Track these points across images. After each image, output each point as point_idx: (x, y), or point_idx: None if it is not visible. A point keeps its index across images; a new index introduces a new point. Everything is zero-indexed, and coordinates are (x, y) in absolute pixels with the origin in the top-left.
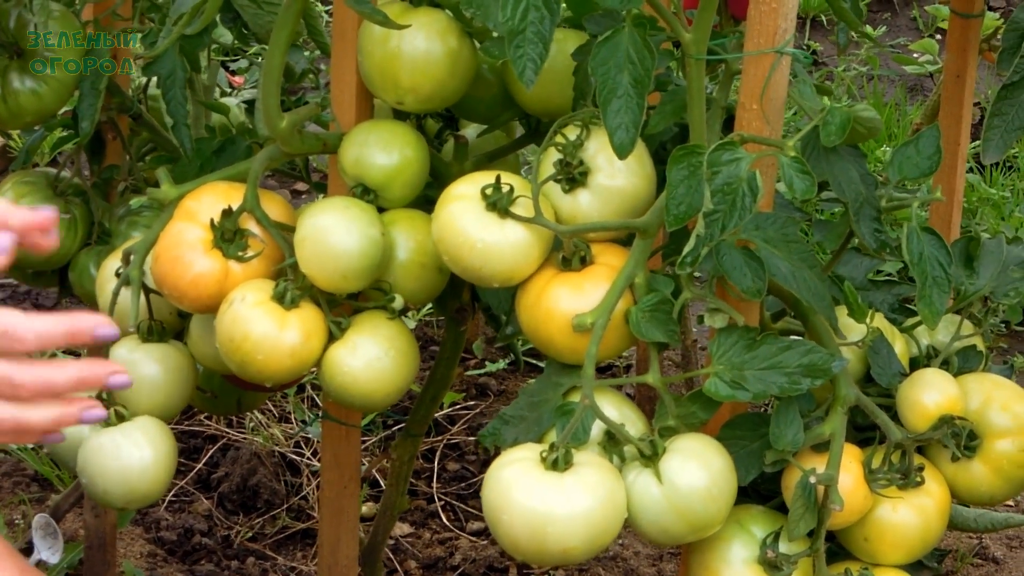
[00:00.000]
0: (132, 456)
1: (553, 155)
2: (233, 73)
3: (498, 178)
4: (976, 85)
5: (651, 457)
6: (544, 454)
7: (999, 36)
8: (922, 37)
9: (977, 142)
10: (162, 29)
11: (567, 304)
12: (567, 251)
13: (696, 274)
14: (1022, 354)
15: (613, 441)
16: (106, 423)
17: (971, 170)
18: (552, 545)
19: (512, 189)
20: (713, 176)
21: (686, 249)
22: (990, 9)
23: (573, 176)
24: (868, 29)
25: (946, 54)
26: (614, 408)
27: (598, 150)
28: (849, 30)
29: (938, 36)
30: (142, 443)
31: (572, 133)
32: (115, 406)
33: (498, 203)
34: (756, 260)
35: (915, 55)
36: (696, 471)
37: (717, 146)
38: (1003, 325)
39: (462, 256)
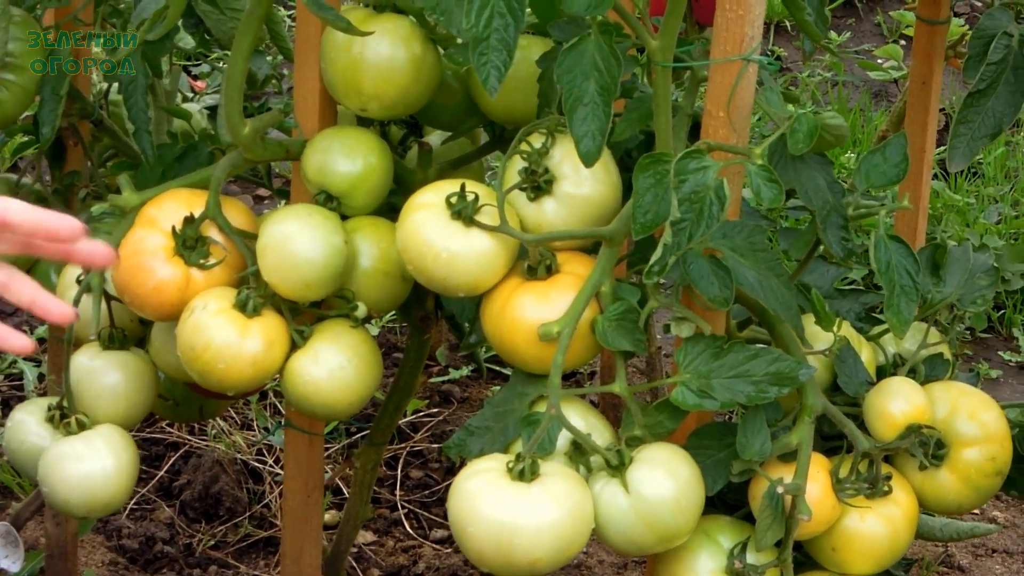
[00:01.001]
0: (94, 465)
1: (518, 163)
2: (195, 78)
3: (463, 186)
4: (941, 91)
5: (618, 467)
6: (510, 465)
7: (965, 43)
8: (887, 43)
9: (942, 148)
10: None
11: (533, 313)
12: (533, 260)
13: (662, 281)
14: (987, 361)
15: (580, 451)
16: (67, 431)
17: (936, 176)
18: (519, 557)
19: (477, 197)
20: (680, 184)
21: (653, 258)
22: (955, 15)
23: (538, 184)
24: (832, 35)
25: (912, 61)
26: (580, 418)
27: (563, 158)
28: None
29: (902, 42)
30: (104, 452)
31: (537, 141)
32: (76, 414)
33: (463, 212)
34: (723, 269)
35: (880, 61)
36: (663, 481)
37: (684, 154)
38: (968, 332)
39: (427, 265)
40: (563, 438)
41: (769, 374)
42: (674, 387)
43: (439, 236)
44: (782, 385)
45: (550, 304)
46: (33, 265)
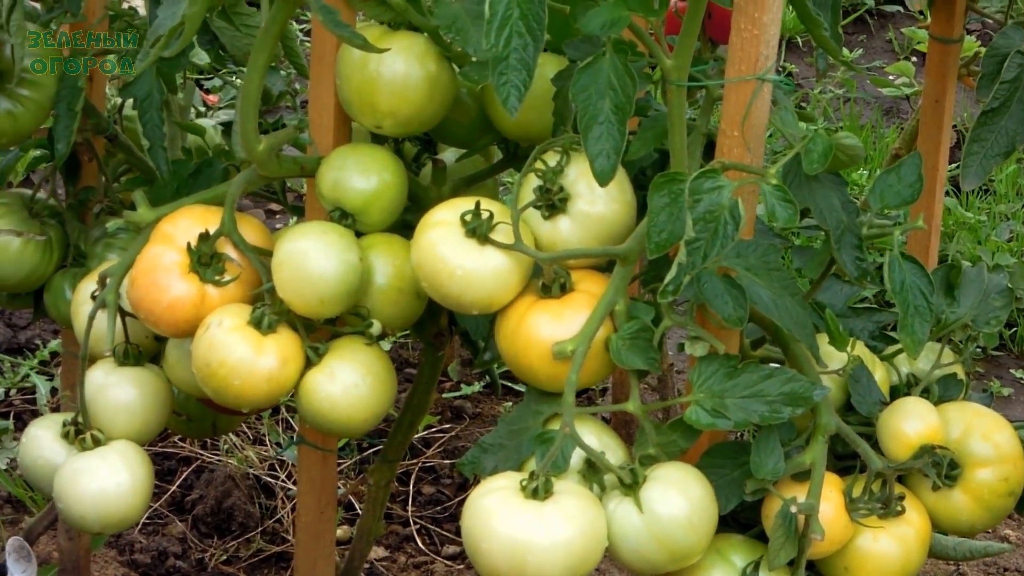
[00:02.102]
0: (109, 480)
1: (533, 181)
2: (208, 92)
3: (478, 204)
4: (953, 109)
5: (631, 486)
6: (524, 483)
7: (978, 61)
8: (898, 59)
9: (954, 165)
10: (139, 51)
11: (547, 331)
12: (547, 278)
13: (675, 300)
14: (999, 379)
15: (593, 469)
16: (82, 447)
17: (947, 193)
18: (532, 574)
19: (492, 215)
20: (695, 204)
21: (668, 277)
22: (967, 33)
23: (553, 202)
24: (845, 52)
25: (925, 79)
26: (594, 436)
27: (578, 176)
28: (828, 56)
29: (914, 58)
30: (119, 467)
31: (552, 159)
32: (92, 430)
33: (478, 230)
34: (737, 288)
35: (891, 77)
36: (677, 500)
37: (699, 174)
38: (980, 350)
39: (441, 283)
40: (577, 456)
41: (783, 394)
42: (688, 406)
43: (454, 254)
44: (796, 405)
45: (564, 322)
46: (48, 281)
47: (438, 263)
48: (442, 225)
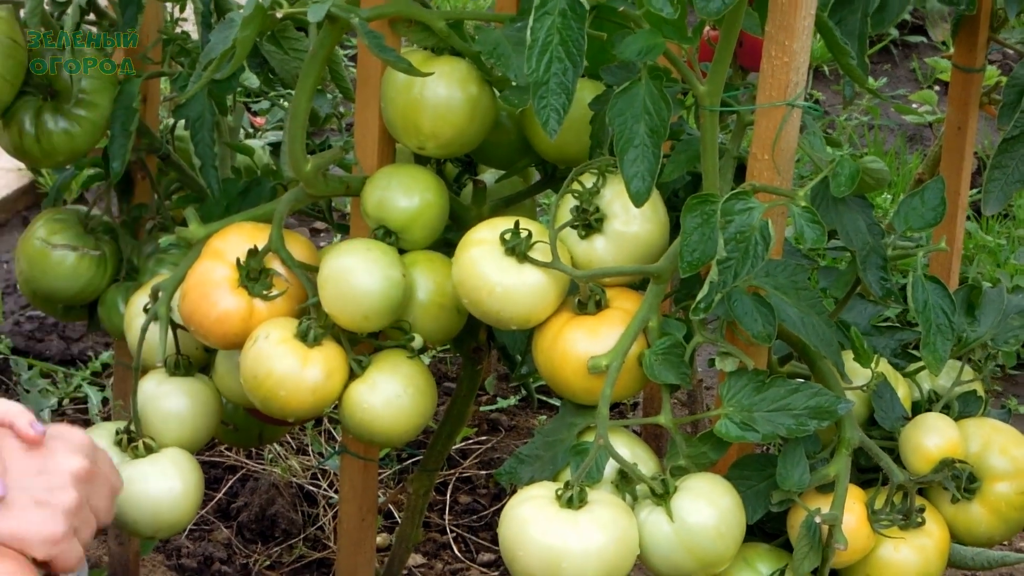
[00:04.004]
0: (161, 487)
1: (570, 201)
2: (255, 114)
3: (517, 224)
4: (975, 136)
5: (663, 496)
6: (559, 492)
7: (999, 90)
8: (921, 88)
9: (975, 190)
10: (191, 73)
11: (583, 347)
12: (583, 295)
13: (705, 317)
14: (1017, 397)
15: (626, 480)
16: (135, 454)
17: (968, 217)
18: None
19: (530, 234)
20: (726, 224)
21: (700, 295)
22: (989, 63)
23: (589, 222)
24: (870, 81)
25: (948, 107)
26: (627, 448)
27: (614, 197)
28: (855, 84)
29: (936, 87)
30: (171, 474)
31: (589, 180)
32: (144, 438)
33: (516, 248)
34: (766, 306)
35: (914, 105)
36: (706, 509)
37: (731, 195)
38: (998, 369)
39: (481, 299)
40: (610, 467)
41: (809, 408)
42: (717, 419)
43: (494, 271)
44: (821, 419)
45: (599, 338)
46: (102, 294)
47: (478, 280)
48: (482, 244)
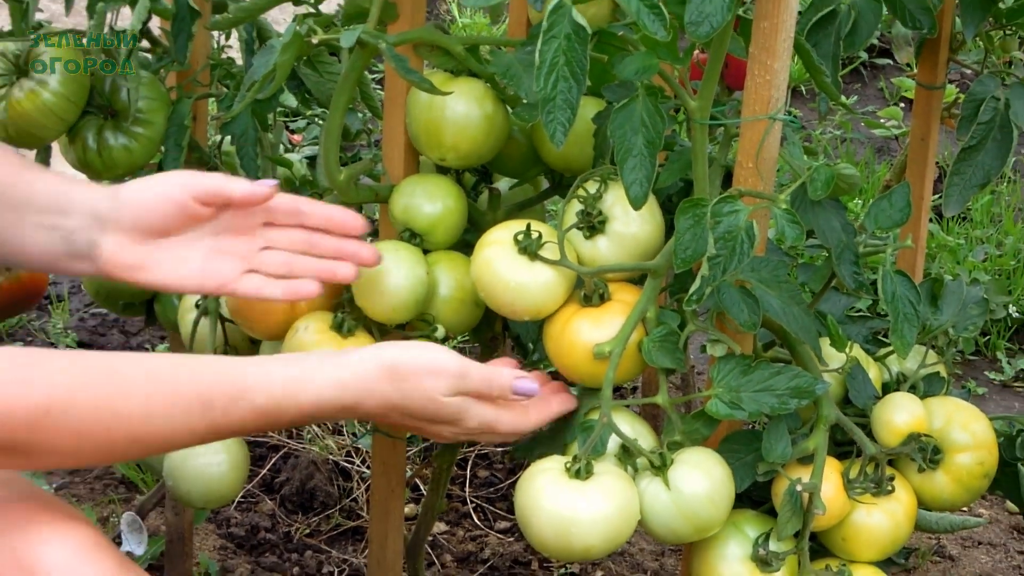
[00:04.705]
0: (212, 462)
1: (576, 206)
2: (292, 132)
3: (528, 226)
4: (937, 147)
5: (660, 467)
6: (568, 465)
7: (958, 105)
8: (888, 105)
9: (937, 196)
10: (236, 94)
11: (588, 335)
12: (588, 289)
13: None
14: (975, 380)
15: (627, 453)
16: None
17: (931, 219)
18: (576, 544)
19: (540, 235)
20: (716, 225)
21: (693, 288)
22: (948, 82)
23: (593, 224)
24: (842, 98)
25: (912, 120)
26: (628, 425)
27: (615, 201)
28: (829, 99)
29: (901, 104)
30: (221, 452)
31: (592, 187)
32: None
33: (528, 248)
34: (752, 298)
35: (882, 120)
36: (700, 479)
37: (719, 199)
38: (959, 355)
39: (497, 294)
40: (613, 442)
41: (790, 388)
42: (709, 399)
43: (508, 269)
44: (801, 398)
45: (603, 327)
46: (158, 293)
47: (494, 277)
48: (498, 244)
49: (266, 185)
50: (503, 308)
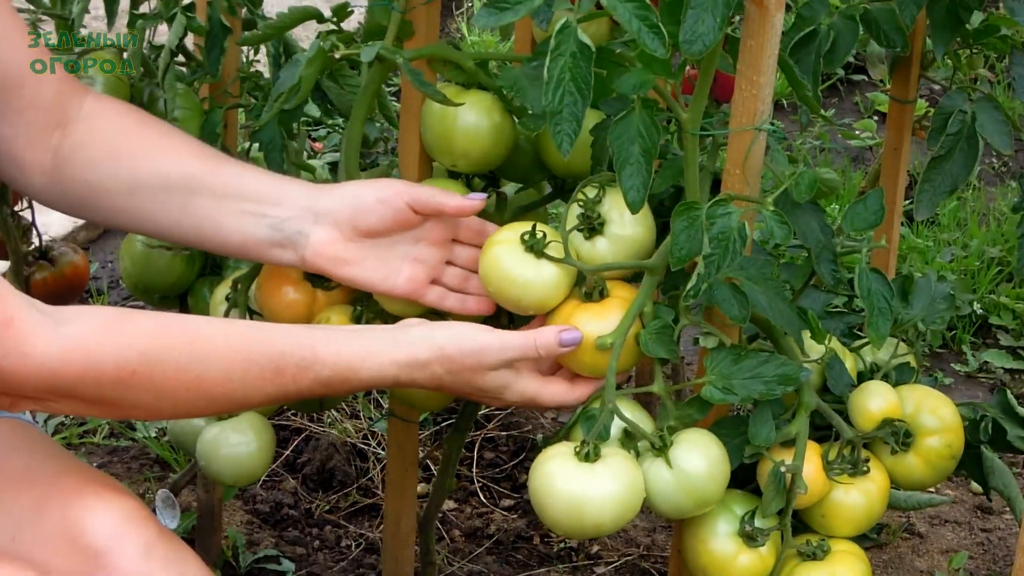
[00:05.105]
0: (240, 444)
1: (577, 209)
2: (315, 140)
3: (534, 227)
4: (909, 156)
5: (662, 449)
6: (577, 449)
7: (928, 118)
8: (863, 118)
9: (908, 201)
10: (264, 104)
11: (589, 328)
12: (589, 286)
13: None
14: (942, 371)
15: (629, 438)
16: (220, 417)
17: (902, 223)
18: (588, 522)
19: (545, 235)
20: (711, 226)
21: (689, 284)
22: (919, 96)
23: (593, 226)
24: (822, 111)
25: (886, 132)
26: (628, 411)
27: (612, 205)
28: (810, 112)
29: (875, 117)
30: (250, 434)
31: (592, 192)
32: None
33: (535, 246)
34: (741, 294)
35: (858, 132)
36: (699, 458)
37: (713, 203)
38: (927, 348)
39: (505, 289)
40: (615, 428)
41: (777, 375)
42: (702, 386)
43: (515, 266)
44: (787, 384)
45: (603, 321)
46: (191, 287)
47: (502, 273)
48: (505, 243)
49: (477, 198)
50: (509, 303)
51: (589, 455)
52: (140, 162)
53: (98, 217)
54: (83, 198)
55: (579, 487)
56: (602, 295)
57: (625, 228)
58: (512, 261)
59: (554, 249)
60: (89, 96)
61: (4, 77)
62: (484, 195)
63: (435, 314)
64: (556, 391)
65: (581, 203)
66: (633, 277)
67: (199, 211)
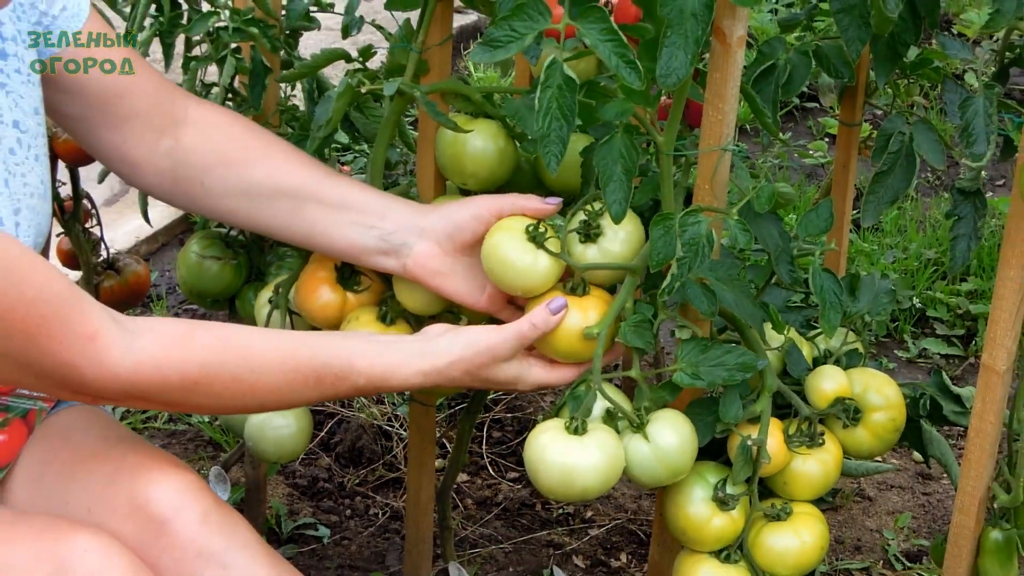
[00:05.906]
0: (282, 427)
1: (580, 216)
2: (343, 164)
3: (539, 221)
4: (856, 172)
5: (640, 426)
6: (567, 424)
7: (872, 139)
8: (815, 139)
9: (855, 211)
10: (300, 134)
11: (573, 319)
12: (575, 282)
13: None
14: (886, 357)
15: (610, 416)
16: None
17: (851, 230)
18: (576, 487)
19: (547, 229)
20: (683, 233)
21: (664, 283)
22: (864, 120)
23: (589, 233)
24: (780, 134)
25: (835, 151)
26: (611, 393)
27: (608, 223)
28: (770, 135)
29: (826, 139)
30: (290, 418)
31: (598, 204)
32: None
33: (537, 237)
34: (710, 292)
35: (811, 152)
36: (673, 434)
37: (685, 213)
38: (873, 337)
39: (503, 270)
40: (598, 407)
41: (738, 364)
42: (674, 372)
43: (515, 251)
44: (746, 372)
45: (585, 312)
46: (239, 291)
47: (502, 256)
48: (508, 230)
49: (553, 202)
50: (503, 283)
51: (578, 429)
52: (252, 170)
53: (212, 215)
54: (197, 198)
55: (569, 457)
56: (584, 291)
57: (615, 245)
58: (513, 246)
59: (552, 244)
60: (191, 101)
61: (105, 88)
62: (560, 200)
63: (450, 312)
64: (564, 374)
65: (586, 212)
66: (612, 289)
67: (309, 217)
